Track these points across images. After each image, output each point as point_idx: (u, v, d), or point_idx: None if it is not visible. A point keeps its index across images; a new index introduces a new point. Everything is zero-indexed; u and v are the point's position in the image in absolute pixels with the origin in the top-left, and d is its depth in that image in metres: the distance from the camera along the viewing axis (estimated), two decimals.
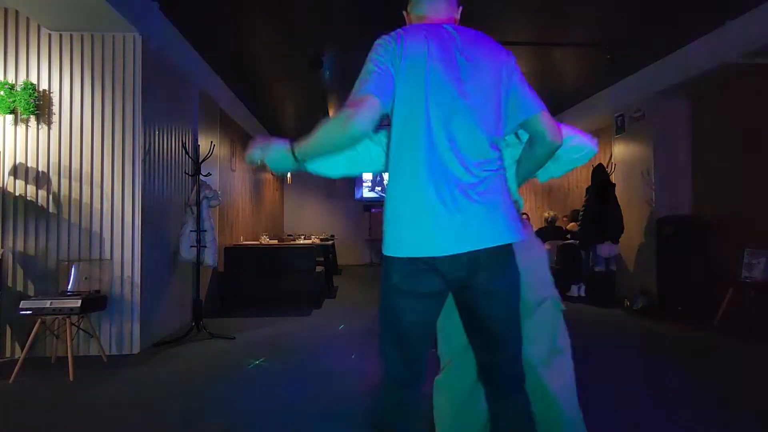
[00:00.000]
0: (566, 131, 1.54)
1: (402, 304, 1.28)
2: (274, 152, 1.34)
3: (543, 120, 1.34)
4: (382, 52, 1.28)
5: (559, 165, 1.70)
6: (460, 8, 1.46)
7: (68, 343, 3.22)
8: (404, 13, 1.50)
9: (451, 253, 1.21)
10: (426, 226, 1.22)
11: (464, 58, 1.28)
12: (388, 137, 1.32)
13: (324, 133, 1.26)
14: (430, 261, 1.23)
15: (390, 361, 1.33)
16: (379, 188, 11.57)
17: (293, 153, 1.30)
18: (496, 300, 1.29)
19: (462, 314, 1.35)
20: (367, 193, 11.51)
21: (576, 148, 1.67)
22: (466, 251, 1.21)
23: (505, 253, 1.28)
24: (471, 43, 1.31)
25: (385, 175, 1.38)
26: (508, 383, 1.34)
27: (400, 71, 1.26)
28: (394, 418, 1.32)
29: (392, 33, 1.31)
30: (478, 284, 1.26)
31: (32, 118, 3.74)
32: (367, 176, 11.64)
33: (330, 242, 8.41)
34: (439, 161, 1.23)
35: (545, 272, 1.80)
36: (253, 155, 1.37)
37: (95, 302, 3.38)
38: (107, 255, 3.80)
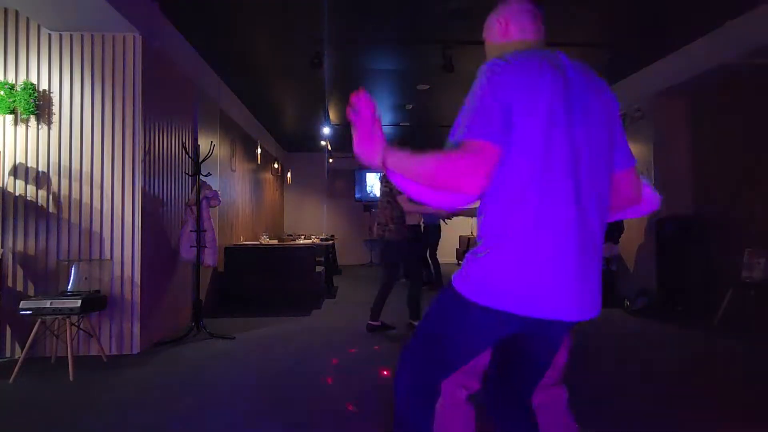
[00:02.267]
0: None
1: (472, 343, 1.21)
2: (367, 149, 1.13)
3: (629, 177, 1.24)
4: (502, 83, 1.06)
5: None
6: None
7: (68, 343, 3.22)
8: (497, 20, 1.28)
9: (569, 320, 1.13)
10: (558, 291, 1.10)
11: (577, 101, 1.12)
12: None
13: (427, 169, 1.03)
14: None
15: (427, 374, 1.29)
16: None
17: (383, 160, 1.12)
18: (549, 352, 1.28)
19: (509, 348, 1.31)
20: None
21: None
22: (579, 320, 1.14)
23: None
24: (583, 83, 1.15)
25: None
26: (521, 397, 1.34)
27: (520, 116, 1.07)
28: (421, 427, 1.31)
29: (505, 61, 1.09)
30: (544, 338, 1.23)
31: (32, 118, 3.74)
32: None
33: (330, 242, 8.41)
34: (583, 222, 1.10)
35: None
36: (358, 130, 1.14)
37: (95, 302, 3.38)
38: (107, 255, 3.80)
